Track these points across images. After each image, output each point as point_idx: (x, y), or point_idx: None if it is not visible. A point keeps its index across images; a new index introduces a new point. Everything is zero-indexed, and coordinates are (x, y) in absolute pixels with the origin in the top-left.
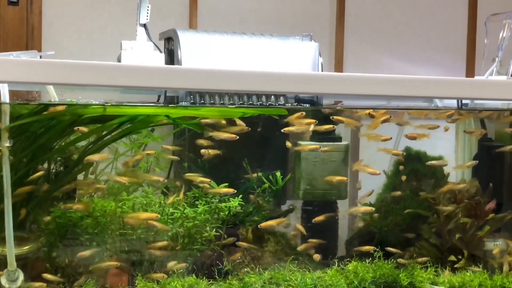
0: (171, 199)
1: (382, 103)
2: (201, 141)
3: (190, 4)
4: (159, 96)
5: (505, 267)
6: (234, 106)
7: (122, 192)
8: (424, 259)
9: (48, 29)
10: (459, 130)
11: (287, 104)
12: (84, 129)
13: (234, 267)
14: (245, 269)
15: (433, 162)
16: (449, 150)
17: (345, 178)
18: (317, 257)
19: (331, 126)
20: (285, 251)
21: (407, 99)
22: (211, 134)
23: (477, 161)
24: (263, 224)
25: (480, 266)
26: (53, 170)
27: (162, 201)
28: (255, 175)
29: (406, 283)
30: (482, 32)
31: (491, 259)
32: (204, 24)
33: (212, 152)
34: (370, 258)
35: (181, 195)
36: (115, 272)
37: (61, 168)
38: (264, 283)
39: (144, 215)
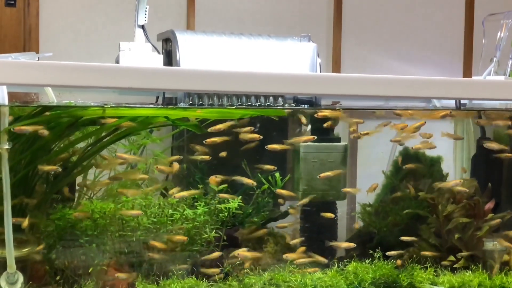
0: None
1: (379, 104)
2: (196, 147)
3: (187, 5)
4: (157, 97)
5: None
6: (233, 107)
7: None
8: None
9: (45, 31)
10: (458, 130)
11: (285, 105)
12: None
13: (234, 268)
14: (245, 270)
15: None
16: (448, 151)
17: None
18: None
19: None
20: (285, 252)
21: (405, 100)
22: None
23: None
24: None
25: (479, 266)
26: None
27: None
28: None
29: (406, 283)
30: (479, 32)
31: (490, 259)
32: (202, 25)
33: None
34: (370, 259)
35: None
36: (114, 273)
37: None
38: (264, 284)
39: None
